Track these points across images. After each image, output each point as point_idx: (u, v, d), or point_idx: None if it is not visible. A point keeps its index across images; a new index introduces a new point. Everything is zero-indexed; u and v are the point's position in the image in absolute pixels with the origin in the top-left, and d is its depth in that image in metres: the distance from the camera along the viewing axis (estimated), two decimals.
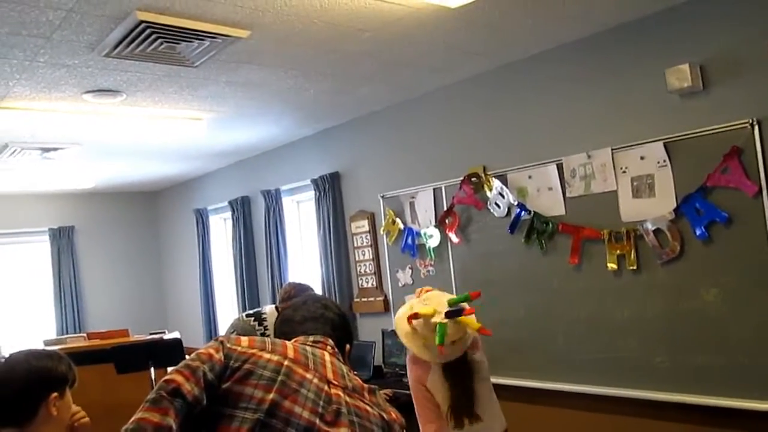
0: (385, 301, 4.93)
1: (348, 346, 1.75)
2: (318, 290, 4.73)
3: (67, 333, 7.23)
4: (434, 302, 2.57)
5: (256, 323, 4.14)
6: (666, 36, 3.24)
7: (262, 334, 4.08)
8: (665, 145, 3.22)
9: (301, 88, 4.13)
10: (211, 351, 1.42)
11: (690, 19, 3.15)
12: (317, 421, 1.40)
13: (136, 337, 5.71)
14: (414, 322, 2.52)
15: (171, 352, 4.72)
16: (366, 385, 1.57)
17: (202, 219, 7.33)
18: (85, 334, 6.95)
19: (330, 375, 1.49)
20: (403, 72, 4.00)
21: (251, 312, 4.31)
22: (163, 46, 3.05)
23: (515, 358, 3.89)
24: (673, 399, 3.22)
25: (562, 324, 3.71)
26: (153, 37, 2.91)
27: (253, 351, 1.44)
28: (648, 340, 3.33)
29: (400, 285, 4.76)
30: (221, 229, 7.35)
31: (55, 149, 5.09)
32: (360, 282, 5.19)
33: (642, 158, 3.33)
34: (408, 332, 2.57)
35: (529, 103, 3.89)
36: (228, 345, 1.44)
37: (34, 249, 7.62)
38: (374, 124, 5.02)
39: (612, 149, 3.44)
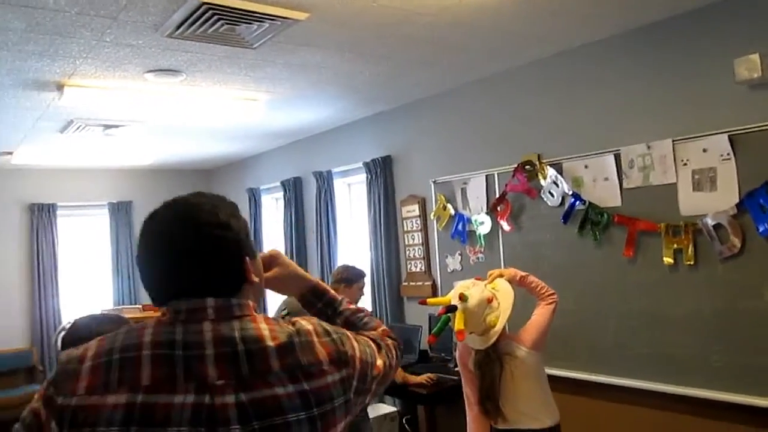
0: (433, 286, 4.94)
1: (247, 258, 1.21)
2: (367, 272, 4.69)
3: (123, 304, 7.49)
4: (474, 292, 2.67)
5: None
6: (736, 24, 3.11)
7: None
8: (730, 138, 3.11)
9: (356, 71, 4.13)
10: (41, 415, 1.06)
11: (762, 7, 3.02)
12: None
13: None
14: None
15: None
16: (289, 336, 1.15)
17: (254, 198, 7.44)
18: (140, 306, 7.18)
19: (212, 372, 1.07)
20: (460, 56, 3.96)
21: None
22: (223, 28, 3.10)
23: (563, 349, 3.84)
24: (728, 399, 3.13)
25: (614, 317, 3.65)
26: (214, 18, 2.96)
27: (93, 400, 1.04)
28: (703, 337, 3.25)
29: (448, 271, 4.75)
30: (273, 208, 7.46)
31: (117, 126, 5.24)
32: (408, 266, 5.20)
33: (704, 151, 3.22)
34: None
35: (588, 91, 3.80)
36: (59, 401, 1.05)
37: (94, 222, 7.88)
38: (428, 109, 4.99)
39: (673, 140, 3.34)
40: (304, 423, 1.10)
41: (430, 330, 4.68)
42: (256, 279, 1.24)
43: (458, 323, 2.59)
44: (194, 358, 1.08)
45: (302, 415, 1.10)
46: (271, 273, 1.42)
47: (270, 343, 1.12)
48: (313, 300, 1.45)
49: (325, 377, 1.15)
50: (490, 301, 2.69)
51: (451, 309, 2.63)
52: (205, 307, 1.13)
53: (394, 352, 1.37)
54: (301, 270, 1.48)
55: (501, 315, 2.69)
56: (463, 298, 2.63)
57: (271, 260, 1.43)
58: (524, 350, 2.74)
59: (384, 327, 1.43)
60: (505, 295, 2.75)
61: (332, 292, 1.46)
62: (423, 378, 4.13)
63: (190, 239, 1.16)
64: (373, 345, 1.30)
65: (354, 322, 1.41)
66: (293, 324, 1.20)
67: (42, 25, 2.97)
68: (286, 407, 1.09)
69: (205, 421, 1.04)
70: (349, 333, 1.28)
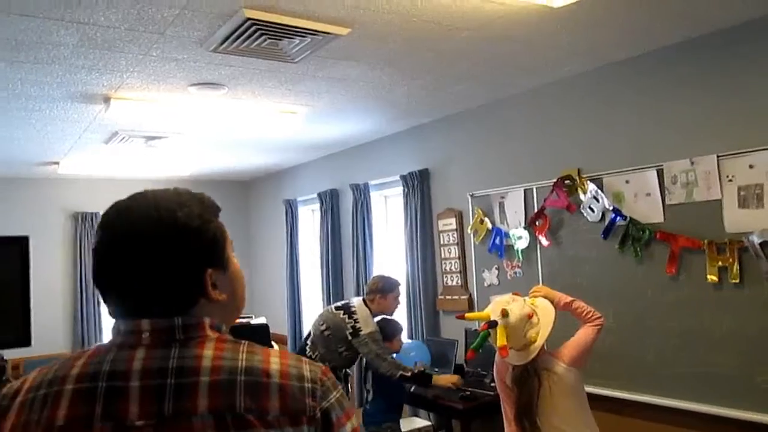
0: (470, 301, 4.90)
1: (209, 270, 1.00)
2: (402, 285, 4.69)
3: None
4: (515, 307, 2.66)
5: (346, 316, 4.14)
6: None
7: (353, 327, 4.08)
8: None
9: (395, 85, 4.16)
10: None
11: None
12: None
13: None
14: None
15: (259, 336, 4.89)
16: (232, 372, 0.94)
17: (291, 209, 7.51)
18: None
19: (134, 410, 0.91)
20: (499, 71, 3.96)
21: (340, 305, 4.32)
22: (266, 43, 3.15)
23: (603, 367, 3.78)
24: None
25: (655, 335, 3.58)
26: (258, 33, 3.01)
27: None
28: (749, 357, 3.16)
29: (485, 285, 4.72)
30: (309, 220, 7.52)
31: (159, 138, 5.35)
32: (445, 280, 5.18)
33: (751, 167, 3.16)
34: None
35: (630, 105, 3.76)
36: None
37: None
38: (466, 122, 4.99)
39: (718, 156, 3.28)
40: None
41: (466, 344, 4.66)
42: (222, 296, 1.01)
43: (500, 339, 2.58)
44: (117, 392, 0.91)
45: None
46: None
47: (205, 377, 0.92)
48: None
49: (268, 430, 0.91)
50: (530, 316, 2.68)
51: (493, 324, 2.62)
52: (140, 330, 0.96)
53: None
54: None
55: (541, 331, 2.67)
56: (504, 313, 2.62)
57: None
58: (563, 366, 2.71)
59: None
60: (545, 311, 2.74)
61: None
62: (449, 381, 4.16)
63: (132, 241, 0.96)
64: None
65: None
66: (258, 356, 0.97)
67: (93, 40, 3.06)
68: None
69: None
70: (348, 407, 1.01)
